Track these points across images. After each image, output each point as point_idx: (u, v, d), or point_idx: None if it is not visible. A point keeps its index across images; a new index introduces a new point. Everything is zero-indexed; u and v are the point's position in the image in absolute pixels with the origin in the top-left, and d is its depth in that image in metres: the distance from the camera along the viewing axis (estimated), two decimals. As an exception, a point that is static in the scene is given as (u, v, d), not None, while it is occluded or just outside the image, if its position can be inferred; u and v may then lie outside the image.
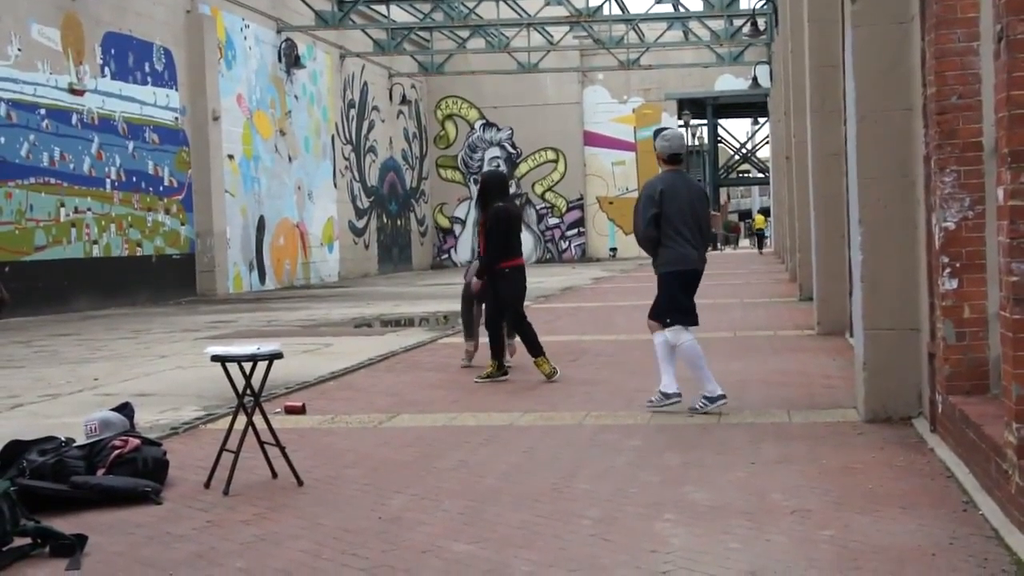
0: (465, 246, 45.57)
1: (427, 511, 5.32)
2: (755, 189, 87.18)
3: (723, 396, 7.77)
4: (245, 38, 30.51)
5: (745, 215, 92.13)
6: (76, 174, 23.11)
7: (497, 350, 9.89)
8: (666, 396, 7.89)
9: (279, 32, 32.68)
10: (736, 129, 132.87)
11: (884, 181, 7.15)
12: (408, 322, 18.12)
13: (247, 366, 6.01)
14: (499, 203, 9.75)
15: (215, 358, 6.00)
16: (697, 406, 7.77)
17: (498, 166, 46.02)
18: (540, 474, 6.07)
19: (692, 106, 50.99)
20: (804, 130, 15.05)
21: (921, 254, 6.91)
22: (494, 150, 47.60)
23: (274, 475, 6.14)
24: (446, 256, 47.69)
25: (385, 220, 42.23)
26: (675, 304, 7.86)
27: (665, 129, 8.22)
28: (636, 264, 40.49)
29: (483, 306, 10.46)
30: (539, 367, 9.78)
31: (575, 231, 47.88)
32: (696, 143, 61.22)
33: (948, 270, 6.14)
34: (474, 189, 41.52)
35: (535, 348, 9.79)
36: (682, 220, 7.80)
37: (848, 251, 10.41)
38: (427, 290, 27.82)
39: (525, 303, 10.16)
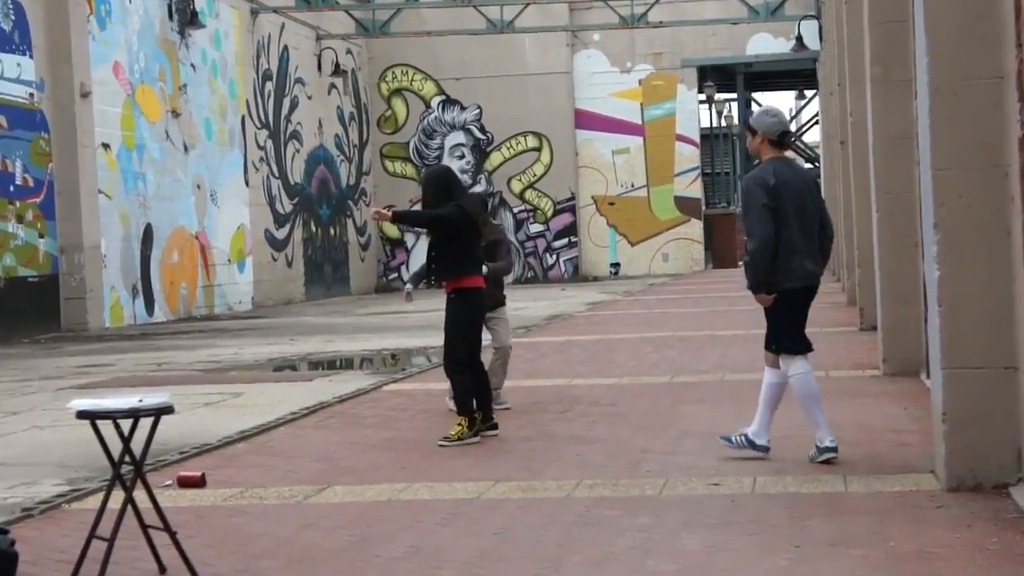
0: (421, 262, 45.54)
1: (366, 615, 5.29)
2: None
3: (833, 449, 8.22)
4: (125, -11, 30.51)
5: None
6: (-101, 170, 22.99)
7: (465, 399, 9.87)
8: (752, 445, 8.46)
9: (170, -19, 32.72)
10: (776, 105, 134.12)
11: (967, 172, 7.17)
12: (345, 363, 18.07)
13: (126, 425, 5.97)
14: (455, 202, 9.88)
15: (82, 414, 5.96)
16: (811, 454, 8.32)
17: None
18: (516, 563, 6.05)
19: (717, 76, 51.25)
20: (863, 106, 15.14)
21: (1017, 268, 6.93)
22: (457, 135, 47.74)
23: (162, 570, 6.10)
24: (395, 276, 47.64)
25: (314, 229, 42.22)
26: (787, 328, 8.34)
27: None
28: (644, 284, 40.62)
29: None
30: (454, 425, 9.86)
31: (564, 241, 48.02)
32: (723, 123, 61.59)
33: (1052, 289, 6.17)
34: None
35: (461, 405, 9.85)
36: (798, 223, 8.28)
37: (922, 265, 10.45)
38: (370, 321, 27.74)
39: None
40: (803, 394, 8.32)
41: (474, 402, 9.89)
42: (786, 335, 8.32)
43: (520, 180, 47.82)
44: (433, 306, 28.12)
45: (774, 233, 8.14)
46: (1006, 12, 6.92)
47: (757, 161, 8.55)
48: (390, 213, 10.04)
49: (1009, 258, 7.07)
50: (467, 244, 9.89)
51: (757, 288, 8.30)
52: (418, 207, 10.77)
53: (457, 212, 9.79)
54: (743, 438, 8.47)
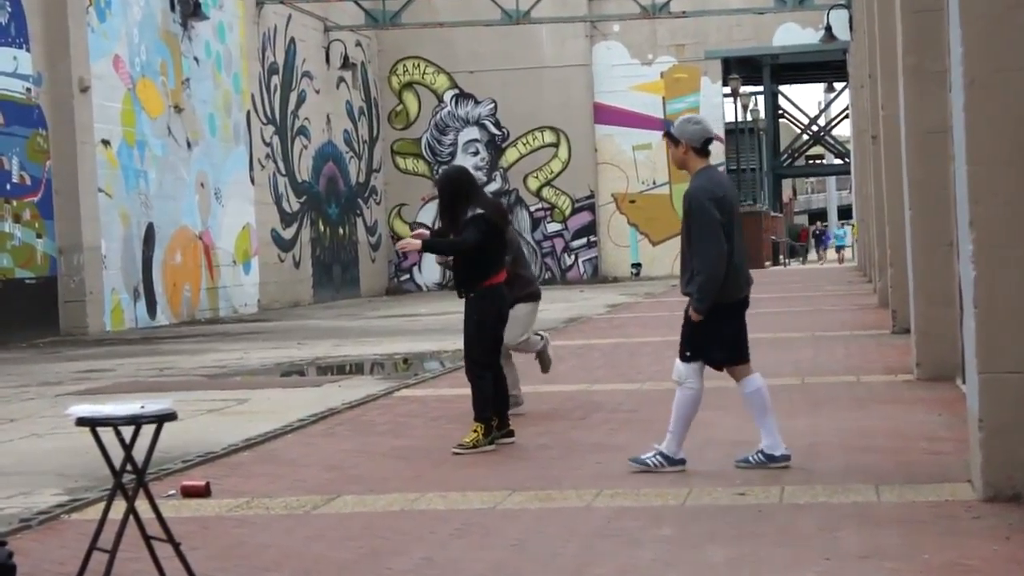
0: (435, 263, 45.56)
1: (377, 630, 5.30)
2: (831, 181, 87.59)
3: (684, 461, 8.52)
4: (126, -21, 30.58)
5: (817, 216, 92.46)
6: None
7: (483, 405, 9.86)
8: (772, 459, 8.45)
9: (173, -29, 32.81)
10: (804, 99, 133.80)
11: (1004, 168, 7.15)
12: (354, 368, 18.08)
13: (127, 432, 5.98)
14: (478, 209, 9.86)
15: (82, 421, 5.97)
16: (651, 461, 8.54)
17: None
18: (534, 577, 6.05)
19: (743, 68, 51.26)
20: (896, 99, 15.11)
21: (1057, 268, 6.91)
22: (471, 130, 47.75)
23: (165, 583, 6.11)
24: (406, 278, 47.70)
25: (323, 228, 42.28)
26: (731, 340, 8.51)
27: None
28: (667, 285, 40.57)
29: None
30: (469, 432, 9.83)
31: (583, 241, 47.99)
32: (749, 118, 61.56)
33: (1094, 289, 6.15)
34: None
35: (479, 411, 9.81)
36: (738, 231, 8.50)
37: (957, 265, 10.43)
38: (380, 324, 27.77)
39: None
40: (685, 406, 8.49)
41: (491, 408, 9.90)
42: (725, 346, 8.48)
43: (537, 177, 47.80)
44: (445, 309, 28.17)
45: (727, 251, 8.28)
46: (1045, 0, 6.91)
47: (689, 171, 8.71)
48: (420, 242, 10.04)
49: (1048, 257, 7.05)
50: (490, 253, 9.88)
51: (708, 309, 8.31)
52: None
53: (482, 233, 9.72)
54: (760, 455, 8.49)
